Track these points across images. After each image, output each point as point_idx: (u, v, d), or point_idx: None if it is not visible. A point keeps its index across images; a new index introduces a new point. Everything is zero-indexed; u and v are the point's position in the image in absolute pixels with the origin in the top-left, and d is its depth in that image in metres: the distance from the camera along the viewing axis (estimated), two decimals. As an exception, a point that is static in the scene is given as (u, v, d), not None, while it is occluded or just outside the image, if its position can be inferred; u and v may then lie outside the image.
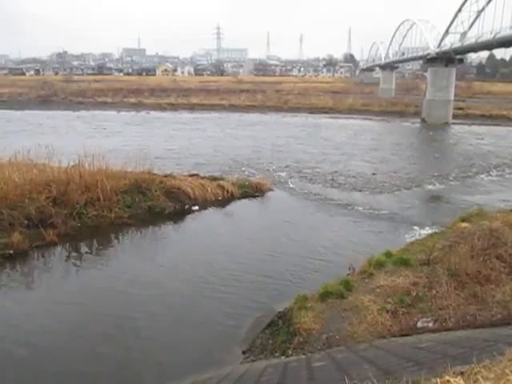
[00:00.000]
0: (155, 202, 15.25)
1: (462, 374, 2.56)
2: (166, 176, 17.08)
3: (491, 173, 24.27)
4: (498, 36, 37.50)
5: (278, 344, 7.30)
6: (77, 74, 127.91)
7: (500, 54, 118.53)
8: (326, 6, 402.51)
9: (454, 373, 2.56)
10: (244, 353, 7.42)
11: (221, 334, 8.13)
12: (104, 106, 57.39)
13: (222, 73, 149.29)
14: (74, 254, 12.00)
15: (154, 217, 14.76)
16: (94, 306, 9.11)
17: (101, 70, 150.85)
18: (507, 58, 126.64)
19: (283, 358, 6.68)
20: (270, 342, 7.53)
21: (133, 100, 60.36)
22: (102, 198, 14.11)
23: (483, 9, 42.94)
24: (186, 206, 15.84)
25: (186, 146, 29.36)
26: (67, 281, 10.40)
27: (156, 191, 15.54)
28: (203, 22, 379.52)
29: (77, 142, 22.73)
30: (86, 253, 12.18)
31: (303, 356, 6.27)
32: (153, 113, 51.84)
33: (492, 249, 9.78)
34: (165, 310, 8.93)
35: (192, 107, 56.85)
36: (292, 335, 7.30)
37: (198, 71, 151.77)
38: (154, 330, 8.21)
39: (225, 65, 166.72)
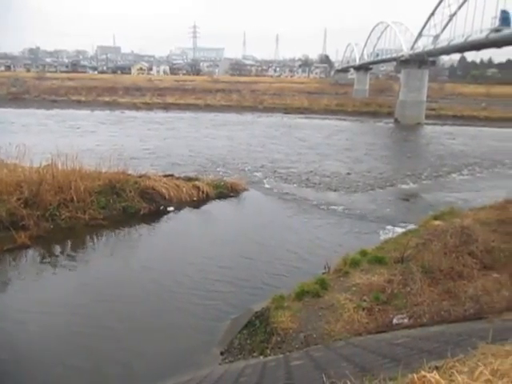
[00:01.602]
0: (130, 203, 15.02)
1: (437, 368, 2.60)
2: (140, 176, 16.84)
3: (463, 172, 24.92)
4: (470, 39, 38.54)
5: (256, 344, 7.29)
6: (50, 71, 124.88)
7: (471, 56, 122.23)
8: (302, 6, 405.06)
9: (429, 368, 2.61)
10: (222, 354, 7.39)
11: (198, 336, 8.07)
12: (78, 104, 56.22)
13: (197, 72, 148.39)
14: (46, 256, 11.67)
15: (128, 218, 14.54)
16: (68, 310, 8.90)
17: (75, 67, 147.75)
18: (478, 60, 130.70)
19: (261, 357, 6.67)
20: (248, 342, 7.51)
21: (107, 99, 59.33)
22: (75, 198, 13.82)
23: (455, 13, 44.02)
24: (161, 207, 15.67)
25: (161, 145, 29.07)
26: (40, 285, 10.12)
27: (131, 192, 15.30)
28: (179, 20, 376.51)
29: (49, 142, 22.22)
30: (60, 255, 11.86)
31: (281, 355, 6.28)
32: (128, 112, 51.11)
33: (464, 246, 10.04)
34: (141, 313, 8.81)
35: (167, 107, 56.35)
36: (270, 335, 7.31)
37: (174, 70, 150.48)
38: (130, 334, 8.09)
39: (201, 64, 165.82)
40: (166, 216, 15.27)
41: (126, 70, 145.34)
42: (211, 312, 8.84)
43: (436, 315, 6.72)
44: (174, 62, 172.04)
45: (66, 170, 14.75)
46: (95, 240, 13.09)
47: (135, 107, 55.00)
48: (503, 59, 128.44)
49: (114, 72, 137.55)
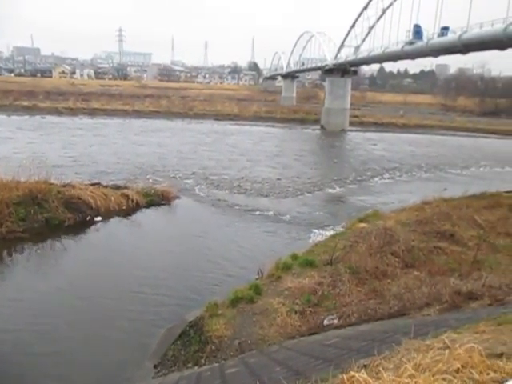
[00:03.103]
0: (53, 214, 14.18)
1: (365, 367, 2.72)
2: (64, 185, 15.97)
3: (384, 176, 26.42)
4: (387, 51, 41.11)
5: (191, 354, 7.18)
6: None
7: (389, 67, 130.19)
8: (231, 13, 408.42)
9: (358, 367, 2.72)
10: (155, 367, 7.19)
11: (130, 351, 7.80)
12: (-9, 109, 52.26)
13: (124, 77, 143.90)
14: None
15: (52, 230, 13.72)
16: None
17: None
18: (395, 70, 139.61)
19: (196, 368, 6.58)
20: (183, 352, 7.38)
21: (26, 103, 55.64)
22: (-10, 211, 12.82)
23: (374, 25, 46.77)
24: (88, 217, 14.98)
25: (87, 153, 27.81)
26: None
27: (54, 202, 14.46)
28: (104, 23, 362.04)
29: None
30: (-27, 273, 10.93)
31: (216, 364, 6.24)
32: (49, 117, 48.33)
33: (387, 246, 10.65)
34: (69, 330, 8.34)
35: (93, 112, 54.09)
36: (204, 344, 7.24)
37: (99, 74, 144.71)
38: (58, 351, 7.62)
39: (128, 69, 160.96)
40: (93, 227, 14.61)
41: (46, 73, 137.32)
42: (144, 325, 8.58)
43: (363, 314, 7.04)
44: (100, 65, 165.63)
45: (-21, 180, 13.67)
46: (13, 255, 12.19)
47: (57, 112, 52.18)
48: (417, 70, 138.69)
49: (33, 75, 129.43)
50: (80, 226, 14.41)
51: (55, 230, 13.74)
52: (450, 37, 30.91)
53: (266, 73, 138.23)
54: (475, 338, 3.13)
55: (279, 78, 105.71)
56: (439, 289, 7.22)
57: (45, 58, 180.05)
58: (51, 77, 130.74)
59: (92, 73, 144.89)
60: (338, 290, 8.67)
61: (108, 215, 15.53)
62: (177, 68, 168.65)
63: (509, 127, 62.53)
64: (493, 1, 34.29)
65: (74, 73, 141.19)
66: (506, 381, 2.06)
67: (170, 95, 77.06)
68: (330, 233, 14.24)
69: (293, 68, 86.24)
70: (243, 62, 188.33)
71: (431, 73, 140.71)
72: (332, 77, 53.20)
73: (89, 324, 8.61)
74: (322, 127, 52.46)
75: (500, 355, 2.65)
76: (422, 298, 6.98)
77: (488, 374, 2.31)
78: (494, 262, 10.12)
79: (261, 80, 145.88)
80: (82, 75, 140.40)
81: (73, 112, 53.16)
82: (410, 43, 35.64)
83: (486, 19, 27.10)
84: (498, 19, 25.70)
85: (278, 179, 23.28)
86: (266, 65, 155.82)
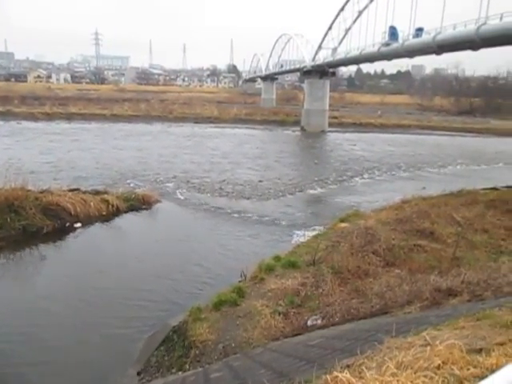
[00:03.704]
0: (31, 221, 13.90)
1: (348, 366, 2.74)
2: (42, 192, 15.66)
3: (364, 176, 26.71)
4: (363, 52, 41.65)
5: (175, 360, 7.11)
6: None
7: (366, 68, 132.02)
8: (209, 16, 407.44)
9: (341, 367, 2.73)
10: (139, 374, 7.10)
11: (113, 358, 7.68)
12: (-37, 115, 50.98)
13: (102, 81, 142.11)
14: None
15: (30, 237, 13.43)
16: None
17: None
18: (372, 71, 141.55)
19: (180, 373, 6.53)
20: (166, 358, 7.30)
21: (0, 108, 54.51)
22: (-35, 219, 12.49)
23: (350, 27, 47.31)
24: (67, 224, 14.72)
25: (65, 158, 27.33)
26: None
27: (31, 209, 14.17)
28: (80, 26, 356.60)
29: None
30: None
31: (200, 369, 6.20)
32: (25, 123, 47.34)
33: (368, 245, 10.77)
34: (48, 339, 8.17)
35: (70, 117, 53.21)
36: (188, 349, 7.18)
37: (76, 79, 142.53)
38: (37, 361, 7.46)
39: (105, 72, 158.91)
40: (72, 233, 14.36)
41: (21, 77, 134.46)
42: (126, 332, 8.46)
43: (346, 313, 7.09)
44: (76, 69, 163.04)
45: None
46: (-9, 264, 11.90)
47: (33, 117, 51.17)
48: (394, 71, 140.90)
49: (7, 79, 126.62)
50: (59, 233, 14.15)
51: (33, 238, 13.46)
52: (425, 38, 31.45)
53: (245, 75, 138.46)
54: (455, 334, 3.18)
55: (259, 80, 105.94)
56: (420, 286, 7.31)
57: (19, 63, 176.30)
58: (26, 81, 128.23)
59: (69, 77, 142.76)
60: (320, 291, 8.72)
61: (88, 221, 15.29)
62: (155, 71, 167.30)
63: (483, 125, 64.11)
64: (466, 2, 35.04)
65: (50, 77, 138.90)
66: (486, 376, 2.09)
67: (148, 99, 76.43)
68: (312, 233, 14.30)
69: (272, 70, 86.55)
70: (222, 65, 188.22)
71: (407, 73, 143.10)
72: (311, 78, 53.59)
73: (69, 332, 8.45)
74: (302, 128, 52.78)
75: (479, 350, 2.70)
76: (403, 296, 7.06)
77: (468, 369, 2.34)
78: (473, 259, 10.33)
79: (240, 82, 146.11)
80: (58, 79, 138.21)
81: (49, 117, 52.22)
82: (386, 44, 36.15)
83: (459, 20, 27.69)
84: (470, 20, 26.25)
85: (260, 181, 23.31)
86: (245, 67, 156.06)
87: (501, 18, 24.04)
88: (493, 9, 25.30)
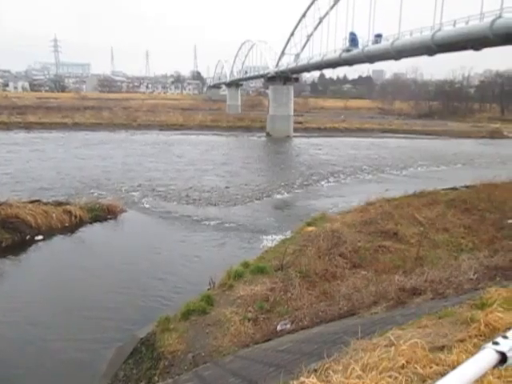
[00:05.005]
0: (-12, 236, 13.34)
1: (315, 371, 2.75)
2: (0, 204, 15.08)
3: (329, 179, 27.11)
4: (325, 58, 42.41)
5: (143, 372, 6.96)
6: None
7: (329, 73, 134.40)
8: (171, 22, 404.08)
9: (308, 372, 2.74)
10: (106, 389, 6.91)
11: (79, 374, 7.44)
12: None
13: (62, 89, 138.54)
14: None
15: (-13, 252, 12.89)
16: None
17: None
18: (335, 77, 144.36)
19: (149, 386, 6.39)
20: (135, 371, 7.14)
21: (-48, 119, 52.22)
22: None
23: (312, 34, 48.08)
24: (28, 237, 14.22)
25: (24, 169, 26.42)
26: None
27: (-12, 223, 13.62)
28: (38, 33, 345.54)
29: None
30: None
31: (170, 380, 6.09)
32: (-20, 134, 45.56)
33: (335, 248, 10.91)
34: (13, 356, 7.83)
35: (29, 126, 51.54)
36: (157, 360, 7.04)
37: (35, 87, 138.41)
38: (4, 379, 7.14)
39: (65, 80, 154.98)
40: (33, 246, 13.87)
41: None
42: (93, 347, 8.22)
43: (315, 317, 7.13)
44: (35, 77, 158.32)
45: None
46: None
47: (-11, 128, 49.31)
48: (356, 76, 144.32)
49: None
50: (19, 247, 13.64)
51: (-9, 253, 12.91)
52: (384, 44, 32.37)
53: (209, 81, 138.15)
54: (418, 332, 3.25)
55: (223, 86, 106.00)
56: (385, 287, 7.45)
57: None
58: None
59: (27, 85, 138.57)
60: (289, 295, 8.75)
61: (50, 233, 14.82)
62: (118, 78, 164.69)
63: (442, 128, 66.46)
64: (421, 9, 36.28)
65: (6, 85, 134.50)
66: (448, 373, 2.14)
67: (111, 106, 75.11)
68: (279, 238, 14.38)
69: (236, 76, 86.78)
70: (186, 72, 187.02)
71: (369, 78, 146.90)
72: (275, 84, 54.10)
73: (32, 351, 8.13)
74: (268, 134, 53.12)
75: (442, 348, 2.77)
76: (369, 297, 7.17)
77: (431, 367, 2.39)
78: (435, 257, 10.63)
79: (205, 89, 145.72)
80: (15, 88, 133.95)
81: (7, 126, 50.39)
82: (347, 50, 36.94)
83: (417, 25, 28.64)
84: (426, 27, 27.22)
85: (227, 187, 23.26)
86: (209, 73, 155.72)
87: (454, 24, 25.04)
88: (448, 14, 26.34)
